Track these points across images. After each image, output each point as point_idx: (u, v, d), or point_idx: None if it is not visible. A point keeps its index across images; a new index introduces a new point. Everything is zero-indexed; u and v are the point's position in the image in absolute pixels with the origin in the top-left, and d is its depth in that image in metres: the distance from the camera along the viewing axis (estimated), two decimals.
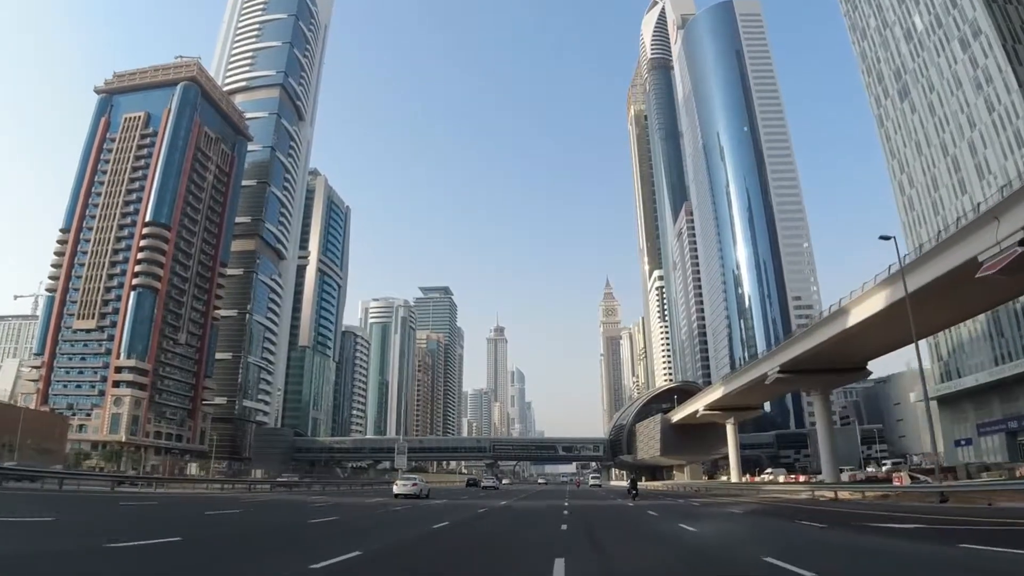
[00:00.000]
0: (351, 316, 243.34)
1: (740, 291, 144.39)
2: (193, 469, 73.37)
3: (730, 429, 68.89)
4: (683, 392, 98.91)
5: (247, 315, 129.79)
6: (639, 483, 42.53)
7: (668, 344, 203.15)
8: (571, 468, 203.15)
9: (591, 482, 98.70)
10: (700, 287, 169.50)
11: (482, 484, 62.94)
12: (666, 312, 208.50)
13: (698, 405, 72.47)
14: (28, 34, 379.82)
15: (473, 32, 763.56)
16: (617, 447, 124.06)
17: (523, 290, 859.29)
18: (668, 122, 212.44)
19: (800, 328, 43.24)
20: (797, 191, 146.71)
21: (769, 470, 75.45)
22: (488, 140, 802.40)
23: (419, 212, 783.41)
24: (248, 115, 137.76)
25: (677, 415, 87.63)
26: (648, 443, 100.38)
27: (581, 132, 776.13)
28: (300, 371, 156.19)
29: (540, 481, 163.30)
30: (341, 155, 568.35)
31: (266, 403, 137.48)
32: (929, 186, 70.96)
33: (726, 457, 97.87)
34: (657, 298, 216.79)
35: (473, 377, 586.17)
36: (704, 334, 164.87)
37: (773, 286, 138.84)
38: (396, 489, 33.47)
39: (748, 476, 73.67)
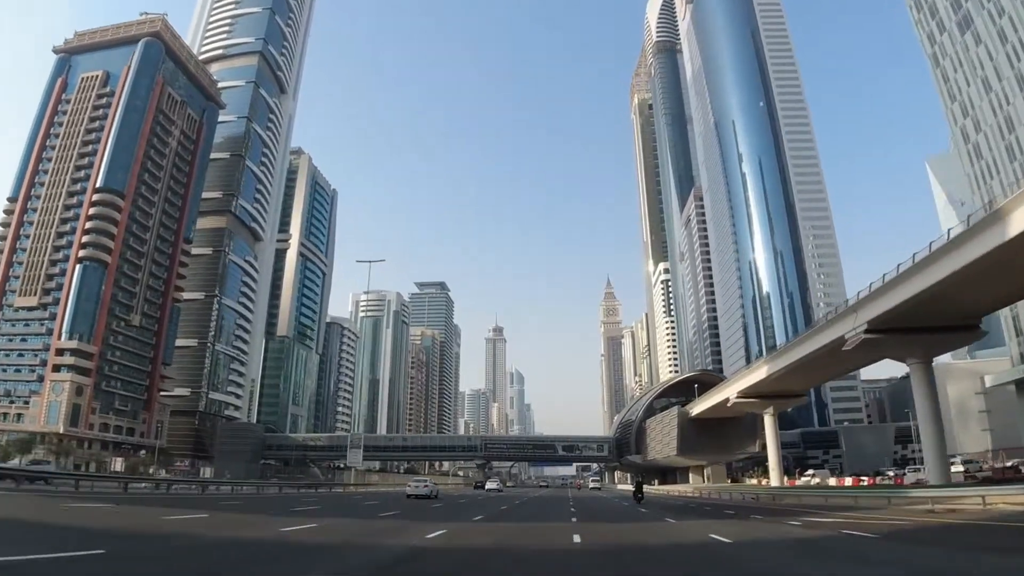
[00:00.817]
0: (341, 309, 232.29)
1: (756, 278, 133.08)
2: (118, 465, 61.33)
3: (768, 421, 57.16)
4: (702, 383, 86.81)
5: (215, 299, 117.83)
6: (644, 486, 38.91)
7: (674, 340, 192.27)
8: (571, 470, 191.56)
9: (591, 485, 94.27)
10: (711, 277, 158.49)
11: (486, 487, 65.56)
12: (672, 306, 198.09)
13: (729, 392, 60.60)
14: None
15: (470, 25, 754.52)
16: (624, 446, 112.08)
17: (522, 290, 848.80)
18: (674, 106, 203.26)
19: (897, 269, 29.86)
20: (817, 170, 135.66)
21: (811, 471, 63.80)
22: (485, 134, 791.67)
23: (415, 208, 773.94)
24: (223, 84, 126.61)
25: (698, 407, 75.73)
26: (662, 441, 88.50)
27: (581, 129, 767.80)
28: (279, 363, 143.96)
29: (542, 484, 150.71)
30: (335, 148, 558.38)
31: (237, 396, 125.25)
32: (1002, 127, 59.54)
33: (751, 457, 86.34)
34: (662, 292, 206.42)
35: (471, 378, 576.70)
36: (715, 327, 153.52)
37: (792, 271, 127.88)
38: (408, 490, 38.04)
39: (786, 479, 61.91)
